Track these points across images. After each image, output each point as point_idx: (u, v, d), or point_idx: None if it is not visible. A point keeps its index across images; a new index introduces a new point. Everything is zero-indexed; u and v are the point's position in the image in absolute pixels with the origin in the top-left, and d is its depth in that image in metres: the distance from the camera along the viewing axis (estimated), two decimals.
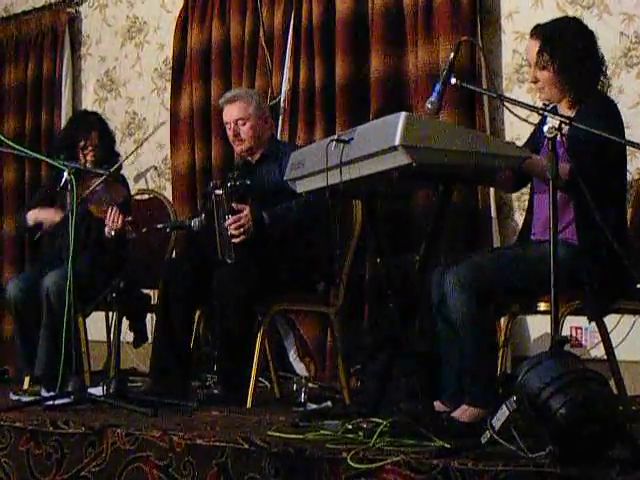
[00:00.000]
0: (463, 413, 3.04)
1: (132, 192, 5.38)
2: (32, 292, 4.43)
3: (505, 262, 3.23)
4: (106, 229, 4.32)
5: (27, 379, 4.48)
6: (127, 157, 4.97)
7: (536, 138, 3.38)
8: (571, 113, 3.27)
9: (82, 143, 4.63)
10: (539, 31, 3.33)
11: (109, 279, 4.07)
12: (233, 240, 3.97)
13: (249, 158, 4.35)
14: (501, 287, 3.14)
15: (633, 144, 2.90)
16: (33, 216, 4.62)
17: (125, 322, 4.39)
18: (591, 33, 3.36)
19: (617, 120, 3.25)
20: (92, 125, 4.73)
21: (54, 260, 4.51)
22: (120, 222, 4.21)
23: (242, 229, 3.97)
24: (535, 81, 3.34)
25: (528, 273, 3.13)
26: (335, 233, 3.93)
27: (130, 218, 4.20)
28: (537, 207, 3.40)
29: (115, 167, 4.27)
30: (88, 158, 4.62)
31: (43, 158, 4.37)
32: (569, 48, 3.25)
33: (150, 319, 4.65)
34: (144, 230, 4.28)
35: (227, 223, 3.97)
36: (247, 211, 3.99)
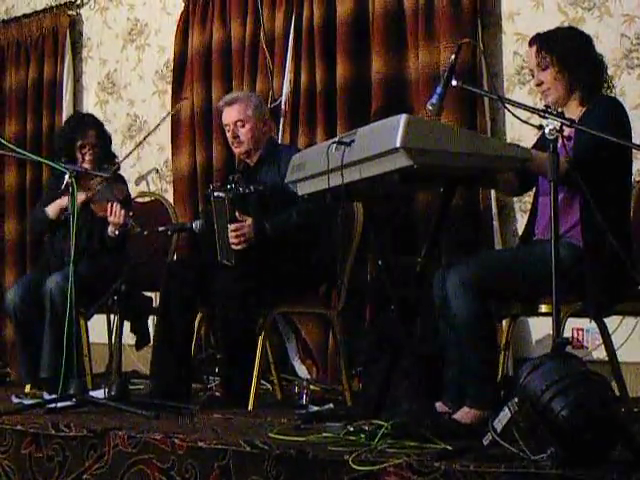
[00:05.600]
0: (464, 415, 3.04)
1: (133, 195, 5.40)
2: (33, 298, 4.43)
3: (507, 262, 3.24)
4: (109, 228, 4.35)
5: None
6: (127, 156, 4.99)
7: (543, 140, 3.38)
8: (580, 111, 3.28)
9: (80, 142, 4.63)
10: (535, 38, 3.38)
11: (111, 282, 4.07)
12: (233, 247, 3.97)
13: (247, 160, 4.35)
14: (503, 287, 3.15)
15: (633, 145, 2.90)
16: (55, 207, 4.56)
17: (127, 325, 4.38)
18: (588, 36, 3.41)
19: (622, 121, 3.25)
20: (89, 125, 4.74)
21: (56, 263, 4.52)
22: (122, 216, 4.24)
23: (242, 238, 3.97)
24: (539, 83, 3.35)
25: (530, 273, 3.13)
26: (337, 235, 3.94)
27: (132, 213, 4.23)
28: (541, 209, 3.40)
29: (115, 168, 4.30)
30: (87, 158, 4.62)
31: (44, 161, 4.39)
32: (567, 45, 3.29)
33: (152, 321, 4.65)
34: (145, 233, 4.28)
35: (228, 231, 3.97)
36: (249, 222, 3.99)
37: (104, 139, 4.77)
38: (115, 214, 4.31)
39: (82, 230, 4.31)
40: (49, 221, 4.59)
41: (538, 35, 3.38)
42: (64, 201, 4.42)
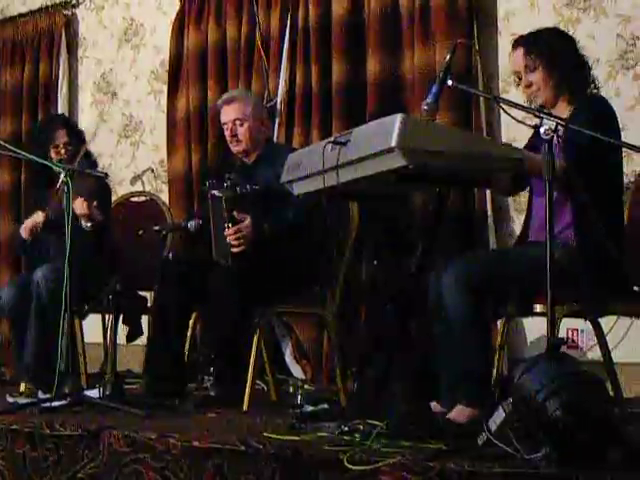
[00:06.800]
0: (459, 414, 3.05)
1: (128, 194, 5.39)
2: (25, 297, 4.42)
3: (501, 262, 3.24)
4: (82, 222, 4.32)
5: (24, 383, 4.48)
6: (85, 146, 4.96)
7: (535, 140, 3.39)
8: (569, 111, 3.29)
9: (53, 144, 4.62)
10: (520, 40, 3.41)
11: (101, 279, 4.07)
12: (233, 250, 3.97)
13: (245, 159, 4.36)
14: (497, 287, 3.15)
15: (628, 146, 2.90)
16: (29, 225, 4.60)
17: (122, 324, 4.38)
18: (571, 36, 3.47)
19: (612, 119, 3.27)
20: (58, 125, 4.74)
21: (43, 261, 4.51)
22: (85, 208, 4.21)
23: (242, 240, 3.96)
24: (528, 85, 3.36)
25: (524, 273, 3.13)
26: (332, 235, 3.94)
27: (95, 203, 4.24)
28: (536, 209, 3.41)
29: (78, 160, 4.30)
30: (60, 156, 4.61)
31: (40, 160, 4.36)
32: (554, 47, 3.32)
33: (146, 321, 4.64)
34: (140, 232, 4.27)
35: (227, 232, 3.96)
36: (248, 221, 3.99)
37: (76, 135, 4.75)
38: (79, 206, 4.25)
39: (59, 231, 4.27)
40: (24, 241, 4.60)
41: (522, 37, 3.41)
42: (28, 224, 4.51)
